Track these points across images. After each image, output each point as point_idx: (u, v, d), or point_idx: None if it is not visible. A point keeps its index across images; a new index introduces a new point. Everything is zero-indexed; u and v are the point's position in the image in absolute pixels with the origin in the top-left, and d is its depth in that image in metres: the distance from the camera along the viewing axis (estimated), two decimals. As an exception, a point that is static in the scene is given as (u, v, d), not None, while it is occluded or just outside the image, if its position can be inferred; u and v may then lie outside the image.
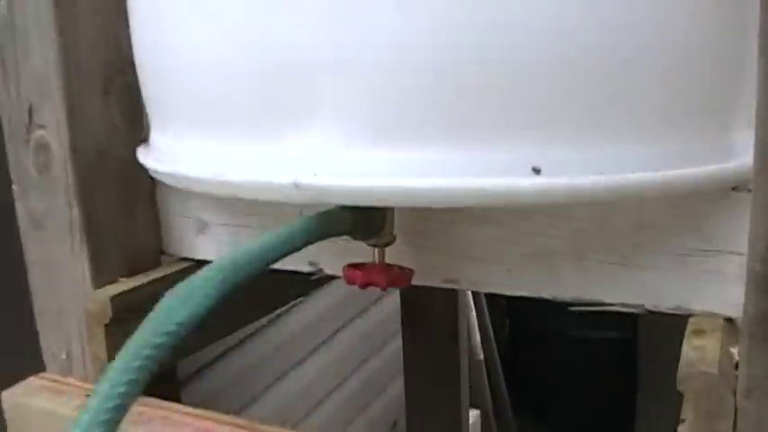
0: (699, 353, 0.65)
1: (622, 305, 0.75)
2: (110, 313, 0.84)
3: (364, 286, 0.76)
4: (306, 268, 0.88)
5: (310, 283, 1.12)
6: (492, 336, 2.35)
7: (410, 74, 0.62)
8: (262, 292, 1.08)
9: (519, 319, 3.17)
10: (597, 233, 0.74)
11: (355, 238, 0.75)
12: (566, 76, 0.61)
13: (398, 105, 0.63)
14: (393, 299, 1.89)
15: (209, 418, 0.82)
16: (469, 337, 2.03)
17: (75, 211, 0.86)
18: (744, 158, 0.65)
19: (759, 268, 0.59)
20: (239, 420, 0.81)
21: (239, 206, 0.89)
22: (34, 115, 0.86)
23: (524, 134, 0.62)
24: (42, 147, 0.86)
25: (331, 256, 0.86)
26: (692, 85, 0.65)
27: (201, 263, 0.93)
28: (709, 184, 0.66)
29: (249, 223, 0.90)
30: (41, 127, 0.86)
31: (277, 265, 0.89)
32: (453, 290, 1.57)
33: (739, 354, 0.64)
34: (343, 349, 1.90)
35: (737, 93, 0.66)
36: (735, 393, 0.63)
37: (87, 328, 0.86)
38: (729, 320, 0.71)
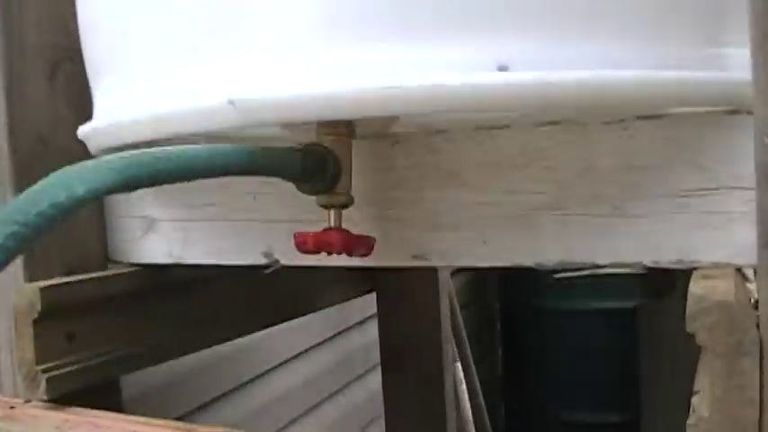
0: (709, 289, 0.53)
1: (616, 265, 0.63)
2: (38, 307, 0.72)
3: (315, 250, 0.65)
4: (260, 260, 0.77)
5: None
6: (483, 406, 2.15)
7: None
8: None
9: (514, 402, 2.93)
10: (582, 181, 0.63)
11: (305, 191, 0.64)
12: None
13: (342, 6, 0.54)
14: (376, 377, 1.73)
15: (138, 422, 0.69)
16: (459, 408, 1.84)
17: (8, 195, 0.76)
18: (740, 73, 0.55)
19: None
20: (171, 422, 0.68)
21: (189, 197, 0.79)
22: (-28, 97, 0.77)
23: (490, 28, 0.53)
24: (-22, 130, 0.77)
25: (285, 243, 0.75)
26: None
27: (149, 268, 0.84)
28: (702, 94, 0.56)
29: (199, 217, 0.79)
30: (-21, 108, 0.77)
31: (229, 261, 0.79)
32: (439, 359, 1.42)
33: (758, 287, 0.51)
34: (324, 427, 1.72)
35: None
36: (758, 326, 0.51)
37: (15, 327, 0.74)
38: (740, 272, 0.59)
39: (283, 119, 0.58)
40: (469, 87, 0.52)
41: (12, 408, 0.75)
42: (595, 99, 0.53)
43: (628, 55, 0.54)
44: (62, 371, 0.75)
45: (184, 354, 0.91)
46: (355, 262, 0.73)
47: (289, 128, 0.67)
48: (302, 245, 0.65)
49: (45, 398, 0.73)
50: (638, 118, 0.61)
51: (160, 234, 0.82)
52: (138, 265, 0.84)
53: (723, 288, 0.53)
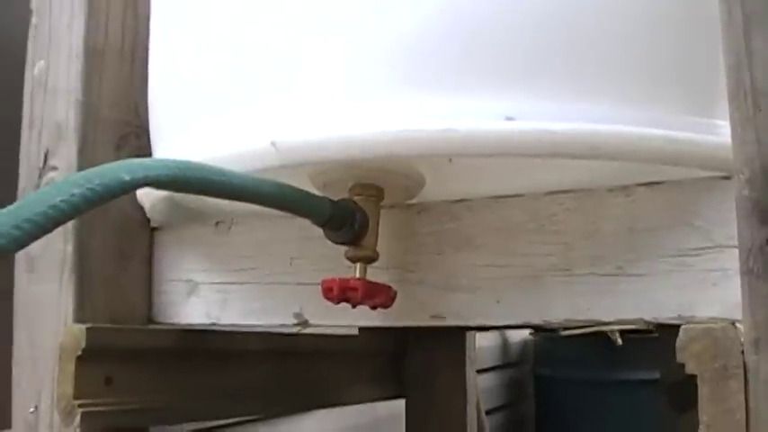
0: (698, 325, 0.56)
1: (619, 321, 0.66)
2: (83, 345, 0.77)
3: (340, 296, 0.69)
4: (291, 320, 0.81)
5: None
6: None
7: (384, 33, 0.62)
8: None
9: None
10: (587, 244, 0.68)
11: (333, 239, 0.69)
12: (536, 31, 0.60)
13: (374, 62, 0.62)
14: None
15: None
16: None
17: (70, 247, 0.83)
18: (728, 140, 0.60)
19: (748, 193, 0.52)
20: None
21: (230, 262, 0.85)
22: (49, 159, 0.86)
23: (500, 85, 0.60)
24: (50, 189, 0.85)
25: (315, 305, 0.79)
26: (664, 54, 0.63)
27: (188, 331, 0.89)
28: (691, 155, 0.61)
29: (238, 280, 0.85)
30: (53, 169, 0.86)
31: (261, 321, 0.84)
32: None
33: (742, 311, 0.54)
34: None
35: (716, 80, 0.63)
36: (743, 352, 0.53)
37: (59, 364, 0.79)
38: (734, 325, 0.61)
39: (317, 158, 0.64)
40: (479, 132, 0.59)
41: (46, 443, 0.79)
42: (587, 148, 0.59)
43: (621, 114, 0.60)
44: (97, 409, 0.78)
45: (209, 419, 0.93)
46: (377, 321, 0.77)
47: (325, 189, 0.73)
48: (328, 291, 0.70)
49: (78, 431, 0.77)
50: (639, 185, 0.66)
51: (201, 297, 0.87)
52: (178, 326, 0.89)
53: (712, 325, 0.56)
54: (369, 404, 1.62)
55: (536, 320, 0.70)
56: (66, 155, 0.85)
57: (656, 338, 1.93)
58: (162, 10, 0.81)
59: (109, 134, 0.88)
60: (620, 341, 2.21)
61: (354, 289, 0.69)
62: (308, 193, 0.66)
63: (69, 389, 0.77)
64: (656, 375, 2.14)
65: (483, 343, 2.34)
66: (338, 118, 0.62)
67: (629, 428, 2.29)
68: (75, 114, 0.85)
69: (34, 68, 0.90)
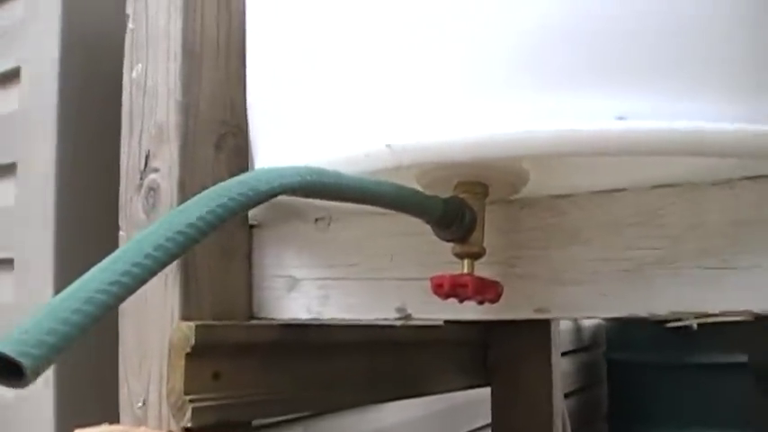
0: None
1: (725, 313, 0.72)
2: (192, 342, 0.85)
3: (450, 292, 0.75)
4: (392, 315, 0.88)
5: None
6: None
7: (502, 34, 0.68)
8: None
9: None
10: (691, 237, 0.73)
11: (443, 237, 0.76)
12: (649, 32, 0.66)
13: (490, 63, 0.68)
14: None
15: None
16: None
17: (175, 247, 0.90)
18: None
19: None
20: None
21: (330, 258, 0.92)
22: (150, 161, 0.94)
23: (610, 86, 0.65)
24: (152, 189, 0.93)
25: (418, 299, 0.86)
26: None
27: (289, 326, 0.96)
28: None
29: (338, 276, 0.91)
30: (155, 171, 0.94)
31: (364, 316, 0.91)
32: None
33: None
34: None
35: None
36: None
37: (168, 359, 0.86)
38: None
39: (430, 159, 0.71)
40: (595, 132, 0.64)
41: (161, 433, 0.87)
42: (697, 146, 0.64)
43: (730, 112, 0.65)
44: (206, 404, 0.86)
45: (308, 411, 1.01)
46: (480, 315, 0.83)
47: (430, 187, 0.79)
48: (438, 287, 0.76)
49: (189, 425, 0.84)
50: (744, 178, 0.71)
51: (301, 292, 0.94)
52: (279, 321, 0.96)
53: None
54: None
55: (641, 312, 0.76)
56: (169, 156, 0.93)
57: (735, 323, 1.98)
58: (262, 7, 0.87)
59: (208, 134, 0.95)
60: (695, 327, 2.26)
61: (465, 285, 0.76)
62: (421, 193, 0.73)
63: (179, 384, 0.85)
64: (732, 359, 2.19)
65: (555, 328, 2.42)
66: (455, 119, 0.68)
67: (702, 413, 2.34)
68: (176, 115, 0.93)
69: (132, 72, 0.98)
